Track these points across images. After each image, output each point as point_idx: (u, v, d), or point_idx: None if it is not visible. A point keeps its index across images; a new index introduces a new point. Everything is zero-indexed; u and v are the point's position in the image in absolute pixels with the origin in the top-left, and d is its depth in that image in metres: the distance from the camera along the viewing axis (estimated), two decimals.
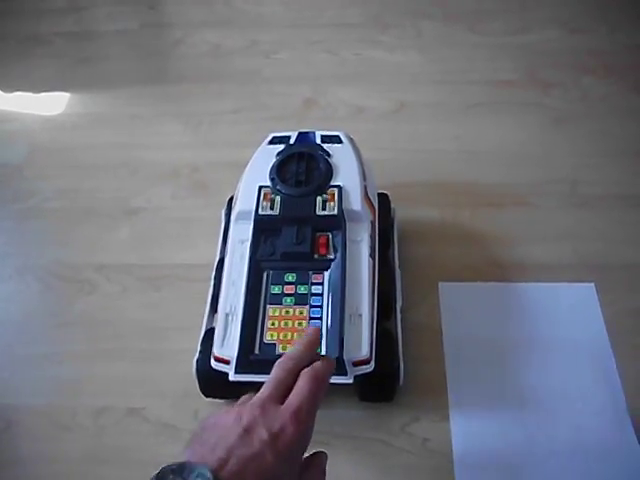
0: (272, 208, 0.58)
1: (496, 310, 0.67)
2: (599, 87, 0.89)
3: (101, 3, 1.15)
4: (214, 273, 0.64)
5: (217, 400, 0.60)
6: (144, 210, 0.77)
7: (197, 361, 0.57)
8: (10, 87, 0.97)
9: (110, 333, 0.68)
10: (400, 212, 0.71)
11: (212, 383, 0.57)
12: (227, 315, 0.55)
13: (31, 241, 0.77)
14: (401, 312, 0.62)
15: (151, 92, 0.94)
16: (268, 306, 0.54)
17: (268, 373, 0.50)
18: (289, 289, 0.55)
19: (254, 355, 0.52)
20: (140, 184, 0.80)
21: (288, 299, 0.55)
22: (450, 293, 0.68)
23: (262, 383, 0.46)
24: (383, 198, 0.67)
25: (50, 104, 0.94)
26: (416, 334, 0.64)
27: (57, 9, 1.13)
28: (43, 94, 0.95)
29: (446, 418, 0.58)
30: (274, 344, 0.53)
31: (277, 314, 0.54)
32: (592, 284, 0.67)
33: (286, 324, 0.54)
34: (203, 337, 0.59)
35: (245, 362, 0.52)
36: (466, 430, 0.58)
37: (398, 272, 0.64)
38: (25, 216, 0.79)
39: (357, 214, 0.58)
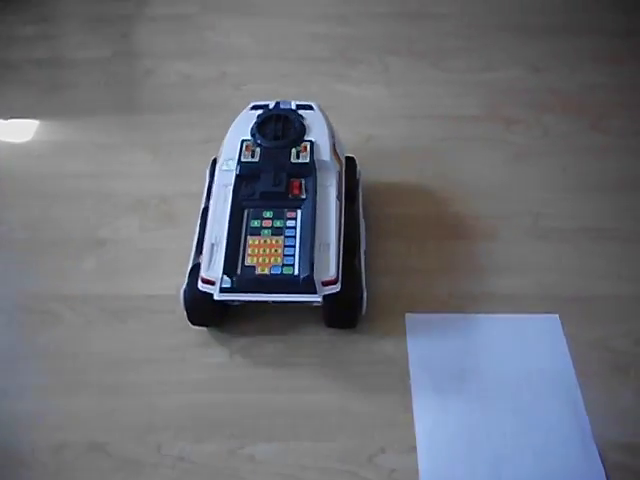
0: (253, 157, 0.67)
1: (462, 341, 0.68)
2: (559, 125, 0.92)
3: (73, 31, 1.15)
4: (199, 220, 0.70)
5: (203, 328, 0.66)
6: (111, 241, 0.77)
7: (184, 291, 0.64)
8: None
9: (73, 366, 0.66)
10: (367, 244, 0.73)
11: (198, 309, 0.65)
12: (212, 245, 0.63)
13: None
14: (364, 254, 0.70)
15: (121, 121, 0.94)
16: (248, 237, 0.63)
17: (249, 292, 0.61)
18: (267, 223, 0.64)
19: (236, 276, 0.60)
20: (107, 214, 0.80)
21: (266, 231, 0.63)
22: (416, 324, 0.69)
23: (242, 302, 0.60)
24: (350, 161, 0.76)
25: (18, 131, 0.93)
26: (382, 366, 0.65)
27: (29, 36, 1.12)
28: (11, 121, 0.94)
29: (413, 449, 0.59)
30: (254, 267, 0.61)
31: (256, 243, 0.62)
32: (556, 315, 0.69)
33: (264, 251, 0.62)
34: (189, 272, 0.65)
35: (229, 282, 0.60)
36: (433, 458, 0.58)
37: (362, 222, 0.72)
38: None
39: (326, 163, 0.67)
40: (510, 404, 0.62)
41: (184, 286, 0.65)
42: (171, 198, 0.81)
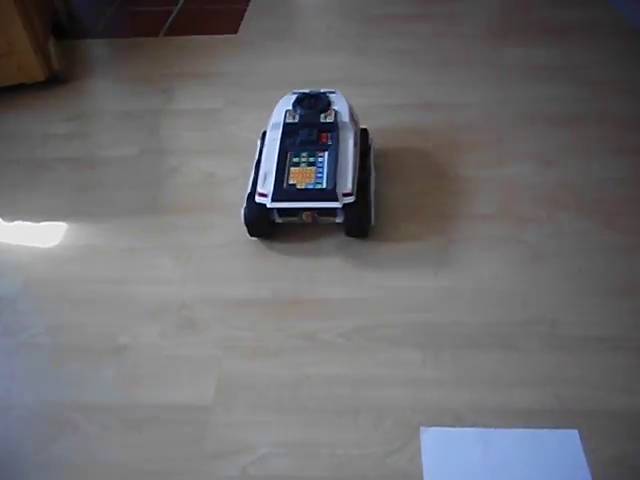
0: (294, 119, 0.96)
1: (479, 457, 0.66)
2: (573, 222, 0.92)
3: (105, 128, 1.21)
4: (253, 169, 0.96)
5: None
6: (131, 348, 0.78)
7: (244, 209, 0.90)
8: (11, 215, 1.01)
9: (86, 478, 0.67)
10: (381, 353, 0.74)
11: (254, 223, 0.90)
12: (266, 173, 0.90)
13: (17, 377, 0.77)
14: (374, 193, 0.95)
15: (145, 223, 0.97)
16: (291, 168, 0.90)
17: (293, 201, 0.86)
18: (304, 159, 0.91)
19: (283, 189, 0.86)
20: (128, 320, 0.82)
21: (303, 164, 0.90)
22: (432, 439, 0.68)
23: (286, 212, 0.88)
24: (364, 131, 1.04)
25: (48, 235, 0.97)
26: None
27: (64, 134, 1.19)
28: (42, 224, 0.99)
29: None
30: (295, 184, 0.87)
31: (297, 171, 0.89)
32: (575, 431, 0.67)
33: (302, 175, 0.88)
34: (247, 198, 0.91)
35: (277, 194, 0.86)
36: None
37: (373, 172, 0.98)
38: (14, 351, 0.80)
39: (346, 124, 0.95)
40: None
41: (244, 207, 0.90)
42: (191, 304, 0.83)
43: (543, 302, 0.81)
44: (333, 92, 1.02)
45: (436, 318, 0.80)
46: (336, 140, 0.92)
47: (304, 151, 0.91)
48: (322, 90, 1.01)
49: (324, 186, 0.86)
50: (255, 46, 1.49)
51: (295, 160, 0.90)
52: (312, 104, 0.98)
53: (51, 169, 1.10)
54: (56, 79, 1.34)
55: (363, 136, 1.02)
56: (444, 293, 0.83)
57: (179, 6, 1.78)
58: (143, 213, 0.98)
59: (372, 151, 1.02)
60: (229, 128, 1.18)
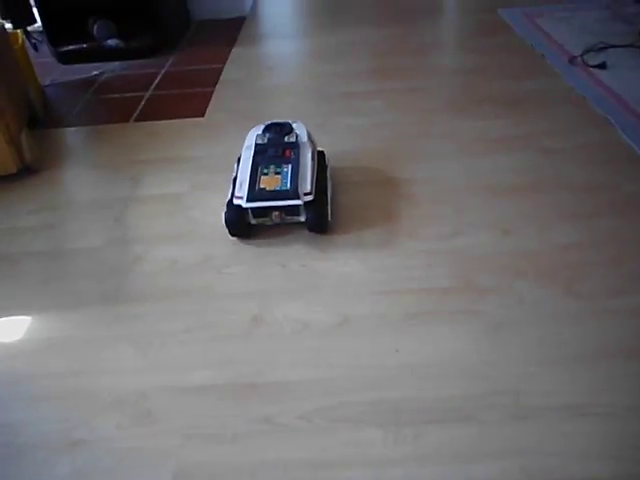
0: (263, 141, 1.19)
1: None
2: (533, 291, 0.93)
3: (72, 218, 1.22)
4: (232, 184, 1.15)
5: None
6: (86, 442, 0.76)
7: (225, 213, 1.09)
8: None
9: None
10: (342, 434, 0.73)
11: (234, 223, 1.09)
12: (241, 182, 1.10)
13: None
14: (330, 199, 1.13)
15: (107, 313, 0.96)
16: (262, 176, 1.11)
17: (264, 201, 1.06)
18: (272, 170, 1.12)
19: (255, 191, 1.07)
20: (86, 413, 0.80)
21: (271, 173, 1.12)
22: None
23: (259, 211, 1.08)
24: (321, 153, 1.25)
25: (9, 330, 0.95)
26: None
27: (30, 227, 1.19)
28: (3, 319, 0.98)
29: None
30: (264, 187, 1.08)
31: (266, 179, 1.10)
32: None
33: (270, 181, 1.10)
34: (227, 203, 1.10)
35: (251, 195, 1.07)
36: None
37: (330, 182, 1.18)
38: None
39: (305, 144, 1.19)
40: None
41: (224, 211, 1.08)
42: (149, 393, 0.81)
43: (506, 373, 0.80)
44: (295, 122, 1.25)
45: (397, 395, 0.78)
46: (297, 155, 1.15)
47: (272, 164, 1.13)
48: (286, 120, 1.25)
49: (288, 187, 1.07)
50: (221, 128, 1.54)
51: (265, 171, 1.12)
52: (278, 130, 1.21)
53: (16, 263, 1.10)
54: (28, 170, 1.37)
55: (321, 156, 1.24)
56: (405, 369, 0.82)
57: (149, 92, 1.85)
58: (105, 303, 0.98)
59: (329, 169, 1.22)
60: (193, 212, 1.20)
